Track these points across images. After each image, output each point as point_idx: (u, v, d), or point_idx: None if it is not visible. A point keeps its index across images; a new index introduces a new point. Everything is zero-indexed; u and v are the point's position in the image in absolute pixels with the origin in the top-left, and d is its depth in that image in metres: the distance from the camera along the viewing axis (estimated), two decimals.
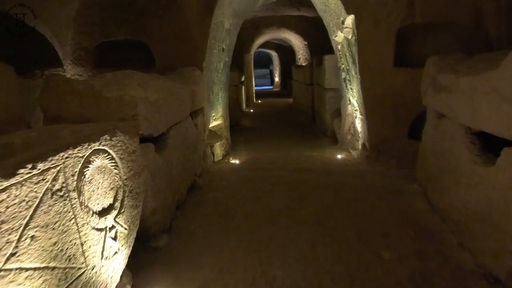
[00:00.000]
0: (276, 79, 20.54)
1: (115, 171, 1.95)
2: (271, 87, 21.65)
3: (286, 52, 18.00)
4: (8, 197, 1.20)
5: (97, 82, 2.81)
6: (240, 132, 7.93)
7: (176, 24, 4.86)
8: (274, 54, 20.56)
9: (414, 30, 4.70)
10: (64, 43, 4.87)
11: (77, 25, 4.87)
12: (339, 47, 5.66)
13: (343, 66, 5.66)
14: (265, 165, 5.09)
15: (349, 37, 4.95)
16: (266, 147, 6.41)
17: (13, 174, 1.23)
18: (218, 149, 5.66)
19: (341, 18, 5.02)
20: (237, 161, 5.59)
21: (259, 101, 14.21)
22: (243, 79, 11.88)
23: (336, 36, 5.48)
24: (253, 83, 14.17)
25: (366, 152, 4.88)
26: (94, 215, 1.73)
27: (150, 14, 4.84)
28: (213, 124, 5.55)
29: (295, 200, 3.62)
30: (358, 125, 5.30)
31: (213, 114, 5.42)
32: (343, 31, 5.00)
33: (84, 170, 1.66)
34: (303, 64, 11.09)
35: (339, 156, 5.44)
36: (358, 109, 5.19)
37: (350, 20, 4.78)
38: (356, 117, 5.37)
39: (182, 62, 4.87)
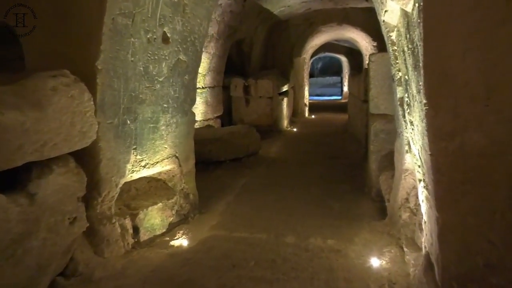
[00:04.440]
0: (345, 88, 17.40)
1: None
2: (340, 97, 18.58)
3: (357, 57, 14.82)
4: None
5: None
6: (249, 169, 5.35)
7: None
8: (343, 60, 17.50)
9: None
10: None
11: None
12: (392, 36, 2.82)
13: (399, 74, 2.81)
14: (211, 273, 2.48)
15: (407, 8, 2.15)
16: (265, 209, 3.76)
17: None
18: (157, 217, 3.19)
19: None
20: (186, 243, 3.06)
21: (313, 116, 11.41)
22: (285, 88, 9.25)
23: (385, 10, 2.66)
24: (305, 93, 11.39)
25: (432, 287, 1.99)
26: None
27: None
28: (148, 172, 3.11)
29: None
30: (423, 203, 2.41)
31: (143, 157, 2.97)
32: None
33: None
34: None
35: (375, 263, 2.59)
36: (421, 169, 2.32)
37: None
38: (420, 180, 2.49)
39: (71, 59, 2.54)
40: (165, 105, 3.12)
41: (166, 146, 3.22)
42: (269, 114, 8.15)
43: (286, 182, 4.70)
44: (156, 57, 2.92)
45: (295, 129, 9.20)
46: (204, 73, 6.99)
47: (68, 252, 2.37)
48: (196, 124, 6.66)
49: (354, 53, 15.25)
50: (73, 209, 2.31)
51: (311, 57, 13.61)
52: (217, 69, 7.40)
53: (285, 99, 9.09)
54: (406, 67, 2.48)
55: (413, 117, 2.41)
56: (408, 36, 2.29)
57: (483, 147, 1.79)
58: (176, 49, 3.11)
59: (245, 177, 4.94)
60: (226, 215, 3.63)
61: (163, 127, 3.13)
